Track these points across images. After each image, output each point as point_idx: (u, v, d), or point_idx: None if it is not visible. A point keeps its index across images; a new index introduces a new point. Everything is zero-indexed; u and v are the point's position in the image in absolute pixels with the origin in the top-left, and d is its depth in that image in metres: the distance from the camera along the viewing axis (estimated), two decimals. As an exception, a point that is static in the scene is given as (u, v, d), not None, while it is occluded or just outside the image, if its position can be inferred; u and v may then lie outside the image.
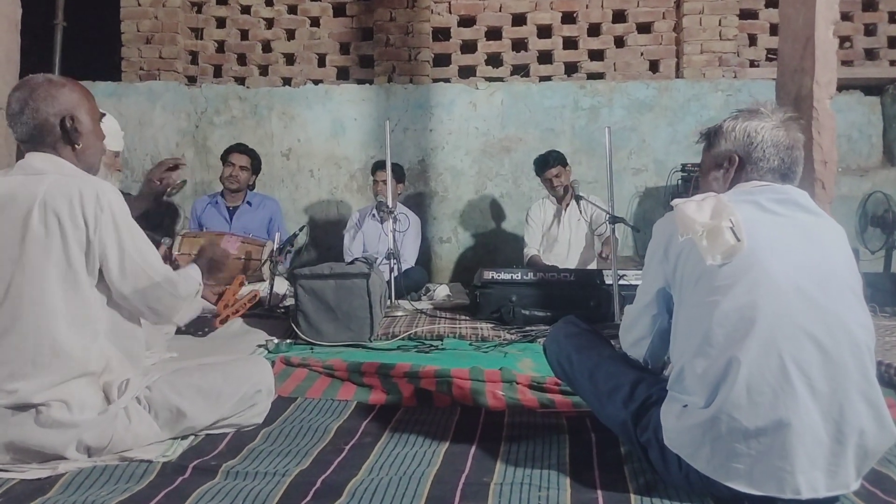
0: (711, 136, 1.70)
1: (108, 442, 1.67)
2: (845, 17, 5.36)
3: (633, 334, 1.75)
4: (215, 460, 1.72)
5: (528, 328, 3.36)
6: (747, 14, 5.55)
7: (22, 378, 1.61)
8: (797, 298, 1.41)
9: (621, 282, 3.49)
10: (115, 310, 1.79)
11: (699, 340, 1.45)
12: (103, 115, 1.95)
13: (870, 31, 5.52)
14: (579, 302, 3.51)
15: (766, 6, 5.53)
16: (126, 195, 2.16)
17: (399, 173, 4.77)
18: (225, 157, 4.66)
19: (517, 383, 2.35)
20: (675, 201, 1.55)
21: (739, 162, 1.62)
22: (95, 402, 1.68)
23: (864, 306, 1.49)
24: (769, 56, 5.48)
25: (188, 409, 1.79)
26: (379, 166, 4.74)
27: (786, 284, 1.42)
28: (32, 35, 3.06)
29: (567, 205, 4.55)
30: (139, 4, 5.59)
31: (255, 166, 4.73)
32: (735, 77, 5.45)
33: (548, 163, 4.53)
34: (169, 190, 3.28)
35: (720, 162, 1.66)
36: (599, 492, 1.56)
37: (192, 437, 1.86)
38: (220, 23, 5.76)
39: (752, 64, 5.55)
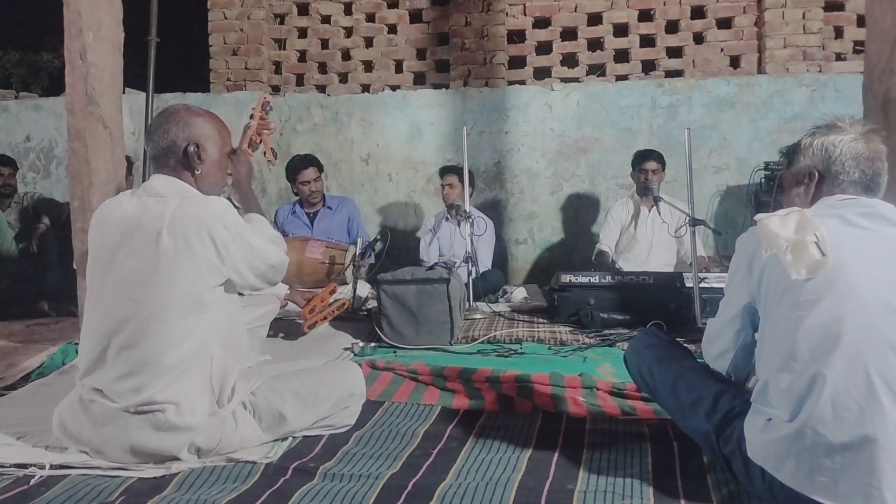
0: (790, 154, 1.71)
1: (216, 444, 1.80)
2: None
3: (716, 347, 1.77)
4: (313, 462, 1.84)
5: (606, 332, 3.35)
6: (832, 6, 5.37)
7: (146, 389, 1.75)
8: (884, 313, 1.40)
9: (702, 284, 3.46)
10: (231, 317, 1.91)
11: (784, 355, 1.46)
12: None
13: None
14: (659, 305, 3.47)
15: (854, -4, 5.34)
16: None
17: (469, 178, 4.83)
18: (294, 178, 4.68)
19: (597, 389, 2.38)
20: (759, 216, 1.57)
21: (819, 177, 1.63)
22: (204, 405, 1.80)
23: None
24: (857, 48, 5.28)
25: (289, 413, 1.91)
26: (446, 171, 4.82)
27: (872, 299, 1.41)
28: (127, 51, 3.26)
29: (651, 207, 4.52)
30: (225, 18, 5.86)
31: (320, 167, 4.79)
32: (820, 71, 5.29)
33: (650, 154, 4.58)
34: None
35: (801, 178, 1.67)
36: (683, 501, 1.60)
37: (290, 440, 1.98)
38: (302, 33, 5.97)
39: (839, 57, 5.37)
